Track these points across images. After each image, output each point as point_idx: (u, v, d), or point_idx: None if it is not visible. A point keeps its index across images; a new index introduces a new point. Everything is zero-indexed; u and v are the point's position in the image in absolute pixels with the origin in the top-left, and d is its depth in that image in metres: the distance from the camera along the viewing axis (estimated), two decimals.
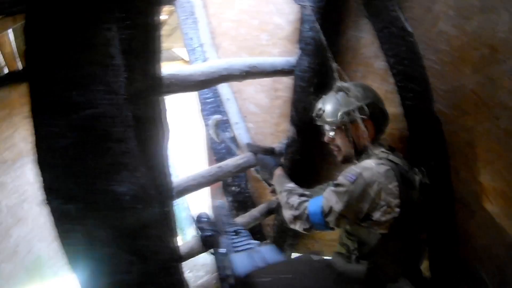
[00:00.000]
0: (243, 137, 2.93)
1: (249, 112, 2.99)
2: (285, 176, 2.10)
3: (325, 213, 1.73)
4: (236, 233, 1.38)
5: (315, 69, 2.33)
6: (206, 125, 3.02)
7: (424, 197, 1.85)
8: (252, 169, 2.52)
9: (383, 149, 1.88)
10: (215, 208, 1.70)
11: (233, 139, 2.99)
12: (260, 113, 2.91)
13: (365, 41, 2.28)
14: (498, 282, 2.11)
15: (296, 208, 1.84)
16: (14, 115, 2.99)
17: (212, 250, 1.89)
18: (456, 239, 2.15)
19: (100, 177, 1.03)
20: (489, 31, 1.85)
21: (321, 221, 1.75)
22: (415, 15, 2.06)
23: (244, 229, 1.57)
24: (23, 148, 3.04)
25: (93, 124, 1.00)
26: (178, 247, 1.40)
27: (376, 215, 1.69)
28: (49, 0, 0.96)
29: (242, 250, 1.58)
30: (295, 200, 1.87)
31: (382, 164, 1.75)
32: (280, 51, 2.67)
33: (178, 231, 4.45)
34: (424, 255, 2.04)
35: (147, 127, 1.31)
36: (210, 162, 3.53)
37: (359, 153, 1.91)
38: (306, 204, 1.82)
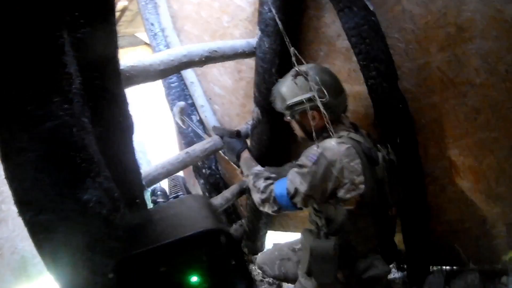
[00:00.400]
0: (210, 120, 2.99)
1: (214, 94, 3.02)
2: (251, 159, 2.15)
3: (291, 195, 1.78)
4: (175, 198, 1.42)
5: (276, 50, 2.32)
6: (172, 110, 2.96)
7: (390, 172, 1.92)
8: (220, 151, 2.56)
9: (344, 128, 1.92)
10: (169, 179, 1.73)
11: (200, 122, 2.94)
12: (225, 95, 2.95)
13: (326, 20, 2.31)
14: (472, 253, 2.16)
15: (263, 192, 1.89)
16: None
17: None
18: (428, 213, 2.25)
19: (65, 187, 1.07)
20: (455, 10, 1.90)
21: (288, 203, 1.80)
22: None
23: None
24: None
25: (54, 136, 1.03)
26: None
27: (341, 193, 1.74)
28: None
29: None
30: (261, 183, 1.92)
31: (343, 142, 1.79)
32: (242, 32, 2.69)
33: None
34: (395, 229, 2.10)
35: (110, 122, 1.35)
36: (180, 146, 3.48)
37: (318, 133, 1.89)
38: (272, 187, 1.88)
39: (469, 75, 1.94)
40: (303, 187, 1.73)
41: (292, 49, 1.85)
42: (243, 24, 2.64)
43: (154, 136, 5.34)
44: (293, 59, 1.88)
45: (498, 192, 2.07)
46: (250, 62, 2.59)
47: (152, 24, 3.03)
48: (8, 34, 0.96)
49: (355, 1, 1.99)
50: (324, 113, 1.75)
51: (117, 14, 4.65)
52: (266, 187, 1.88)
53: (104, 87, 1.31)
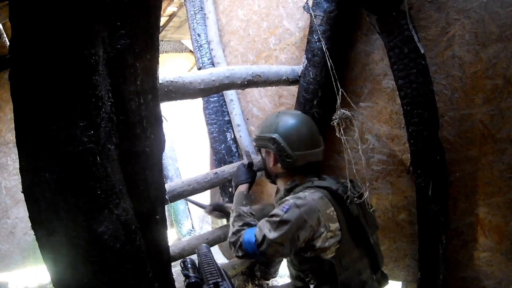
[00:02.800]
0: (244, 140, 2.82)
1: (252, 115, 2.89)
2: (245, 196, 2.01)
3: (258, 242, 1.65)
4: (215, 286, 1.31)
5: (321, 82, 2.20)
6: (208, 123, 2.95)
7: (361, 205, 1.80)
8: None
9: (307, 179, 1.84)
10: (200, 253, 1.66)
11: (234, 141, 2.91)
12: (262, 118, 2.81)
13: (375, 57, 2.17)
14: None
15: (234, 234, 1.78)
16: None
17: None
18: (447, 267, 2.09)
19: (81, 215, 0.97)
20: (505, 61, 1.76)
21: (254, 250, 1.67)
22: (430, 36, 1.95)
23: (222, 280, 1.52)
24: None
25: (75, 161, 0.93)
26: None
27: (319, 243, 1.64)
28: (29, 30, 0.87)
29: None
30: (236, 226, 1.81)
31: (314, 192, 1.71)
32: (288, 57, 2.54)
33: (175, 223, 4.41)
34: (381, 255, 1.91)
35: (140, 139, 1.26)
36: (212, 160, 3.47)
37: (275, 176, 1.94)
38: (242, 232, 1.76)
39: (510, 132, 1.81)
40: (271, 235, 1.62)
41: (340, 91, 1.82)
42: (290, 49, 2.53)
43: (187, 144, 5.35)
44: (338, 100, 1.86)
45: None
46: (292, 88, 2.49)
47: (198, 35, 2.95)
48: (35, 49, 0.87)
49: (407, 41, 1.86)
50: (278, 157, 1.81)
51: (165, 19, 4.61)
52: (239, 231, 1.78)
53: (139, 105, 1.23)
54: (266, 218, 1.69)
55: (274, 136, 1.80)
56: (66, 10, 0.88)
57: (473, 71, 1.86)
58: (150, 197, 1.40)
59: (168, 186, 2.07)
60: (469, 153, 1.95)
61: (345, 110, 1.83)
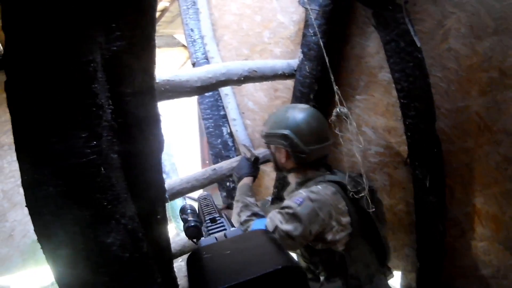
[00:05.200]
0: (240, 134, 2.81)
1: (247, 109, 2.86)
2: (250, 188, 1.99)
3: None
4: (212, 220, 1.32)
5: (317, 76, 2.19)
6: (204, 118, 2.93)
7: (372, 199, 1.75)
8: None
9: (319, 173, 1.84)
10: (200, 198, 1.65)
11: (230, 135, 2.90)
12: (258, 111, 2.79)
13: (371, 50, 2.15)
14: None
15: (242, 224, 1.77)
16: None
17: (195, 240, 1.86)
18: (444, 255, 2.11)
19: (88, 227, 0.95)
20: (500, 54, 1.75)
21: None
22: (425, 29, 1.93)
23: (220, 217, 1.53)
24: None
25: (78, 174, 0.91)
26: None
27: (330, 236, 1.65)
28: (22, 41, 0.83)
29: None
30: (244, 216, 1.80)
31: (327, 186, 1.71)
32: (282, 51, 2.52)
33: (173, 219, 4.40)
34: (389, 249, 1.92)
35: (139, 141, 1.20)
36: (204, 153, 3.45)
37: (288, 171, 1.90)
38: (251, 222, 1.75)
39: (506, 124, 1.80)
40: (284, 226, 1.61)
41: (336, 88, 1.80)
42: (284, 42, 2.50)
43: (182, 138, 5.30)
44: (337, 97, 1.83)
45: None
46: (288, 82, 2.46)
47: (191, 30, 2.91)
48: (28, 58, 0.83)
49: (403, 35, 1.85)
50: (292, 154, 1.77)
51: (158, 14, 4.49)
52: (246, 221, 1.77)
53: (137, 106, 1.17)
54: (277, 210, 1.68)
55: (286, 133, 1.77)
56: (59, 16, 0.83)
57: (469, 64, 1.85)
58: (150, 198, 1.34)
59: (167, 184, 2.05)
60: (465, 144, 1.95)
61: (342, 107, 1.81)
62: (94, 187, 0.94)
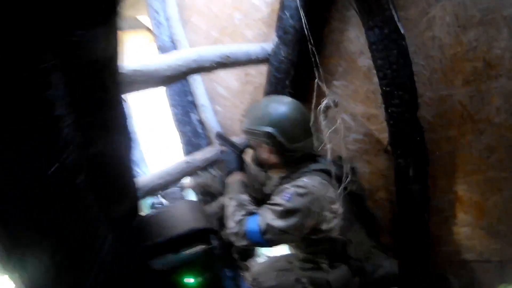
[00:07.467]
0: (211, 121, 2.66)
1: (217, 94, 2.71)
2: (242, 184, 1.85)
3: (262, 231, 1.59)
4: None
5: (293, 61, 2.08)
6: (171, 105, 2.78)
7: (355, 181, 1.78)
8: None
9: (303, 164, 1.76)
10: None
11: (200, 122, 2.76)
12: (229, 97, 2.64)
13: (350, 34, 2.05)
14: (466, 285, 2.15)
15: (236, 223, 1.69)
16: None
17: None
18: (429, 242, 2.13)
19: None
20: (485, 44, 1.70)
21: (259, 239, 1.61)
22: (409, 15, 1.84)
23: None
24: None
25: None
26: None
27: (324, 226, 1.65)
28: None
29: None
30: (238, 215, 1.71)
31: (312, 176, 1.67)
32: (254, 34, 2.37)
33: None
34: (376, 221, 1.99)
35: (108, 141, 1.12)
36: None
37: (270, 166, 1.85)
38: (244, 221, 1.68)
39: (489, 113, 1.78)
40: (276, 223, 1.58)
41: (317, 78, 1.72)
42: (256, 24, 2.35)
43: (151, 129, 5.06)
44: (317, 80, 1.74)
45: (498, 230, 1.95)
46: (260, 66, 2.32)
47: (156, 12, 2.69)
48: None
49: (388, 22, 1.76)
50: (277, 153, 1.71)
51: None
52: (241, 220, 1.69)
53: (101, 106, 1.04)
54: (267, 206, 1.63)
55: (269, 130, 1.66)
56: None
57: (453, 53, 1.79)
58: (124, 198, 1.35)
59: (139, 182, 1.92)
60: (448, 133, 1.92)
61: (332, 97, 1.72)
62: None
